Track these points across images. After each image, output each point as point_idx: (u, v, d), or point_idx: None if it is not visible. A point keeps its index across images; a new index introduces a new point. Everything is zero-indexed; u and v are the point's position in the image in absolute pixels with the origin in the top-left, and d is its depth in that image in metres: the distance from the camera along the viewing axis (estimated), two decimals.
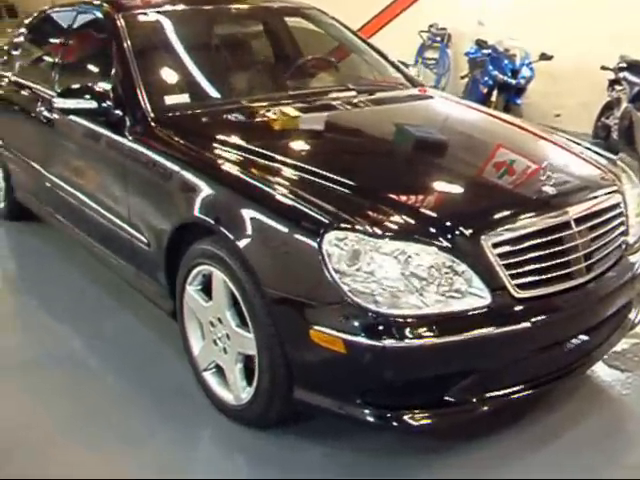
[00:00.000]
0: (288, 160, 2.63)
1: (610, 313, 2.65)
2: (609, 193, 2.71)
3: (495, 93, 6.89)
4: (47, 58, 4.22)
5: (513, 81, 6.76)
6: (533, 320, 2.29)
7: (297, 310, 2.27)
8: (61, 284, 3.92)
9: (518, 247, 2.30)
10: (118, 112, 3.12)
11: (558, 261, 2.38)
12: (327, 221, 2.24)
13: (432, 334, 2.17)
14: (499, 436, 2.59)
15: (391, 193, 2.41)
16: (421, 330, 2.16)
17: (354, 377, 2.25)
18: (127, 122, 3.08)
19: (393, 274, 2.17)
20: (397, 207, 2.33)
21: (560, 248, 2.40)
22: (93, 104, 3.11)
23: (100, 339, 3.33)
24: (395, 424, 2.26)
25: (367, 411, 2.24)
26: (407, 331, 2.15)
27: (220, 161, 2.69)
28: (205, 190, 2.63)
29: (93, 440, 2.61)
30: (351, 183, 2.44)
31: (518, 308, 2.29)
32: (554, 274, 2.37)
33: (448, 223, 2.29)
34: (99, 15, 3.61)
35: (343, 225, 2.22)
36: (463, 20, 8.39)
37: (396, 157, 2.87)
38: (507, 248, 2.29)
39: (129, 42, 3.29)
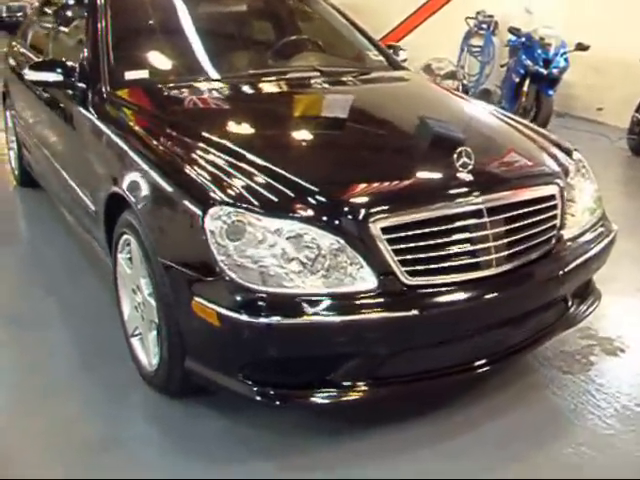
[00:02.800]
0: (206, 136, 2.66)
1: (533, 308, 2.57)
2: (540, 184, 2.62)
3: (527, 83, 6.66)
4: (45, 31, 4.37)
5: (545, 71, 6.52)
6: (424, 308, 2.25)
7: (183, 280, 2.31)
8: (46, 242, 4.17)
9: (411, 233, 2.26)
10: (82, 85, 3.22)
11: (461, 250, 2.33)
12: (213, 195, 2.27)
13: (307, 314, 2.16)
14: (415, 422, 2.57)
15: (288, 172, 2.39)
16: (295, 309, 2.16)
17: (230, 351, 2.27)
18: (89, 95, 3.19)
19: (272, 251, 2.17)
20: (288, 185, 2.32)
21: (464, 236, 2.34)
22: (60, 77, 3.22)
23: (57, 295, 3.50)
24: (274, 401, 2.28)
25: (246, 386, 2.26)
26: (280, 309, 2.16)
27: (143, 134, 2.75)
28: (123, 161, 2.71)
29: (18, 389, 2.77)
30: (256, 161, 2.45)
31: (407, 295, 2.25)
32: (455, 263, 2.32)
33: (335, 204, 2.27)
34: None
35: (227, 200, 2.24)
36: (511, 8, 8.16)
37: (312, 138, 2.85)
38: (398, 234, 2.24)
39: (103, 22, 3.37)
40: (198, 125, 2.79)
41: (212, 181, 2.34)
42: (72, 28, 3.84)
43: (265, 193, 2.29)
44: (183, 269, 2.30)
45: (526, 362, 2.97)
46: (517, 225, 2.46)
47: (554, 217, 2.61)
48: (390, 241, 2.23)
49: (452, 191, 2.40)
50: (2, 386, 2.81)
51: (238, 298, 2.17)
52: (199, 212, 2.23)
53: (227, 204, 2.23)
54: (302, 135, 2.83)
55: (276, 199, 2.27)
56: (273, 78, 3.33)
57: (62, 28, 4.01)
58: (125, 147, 2.77)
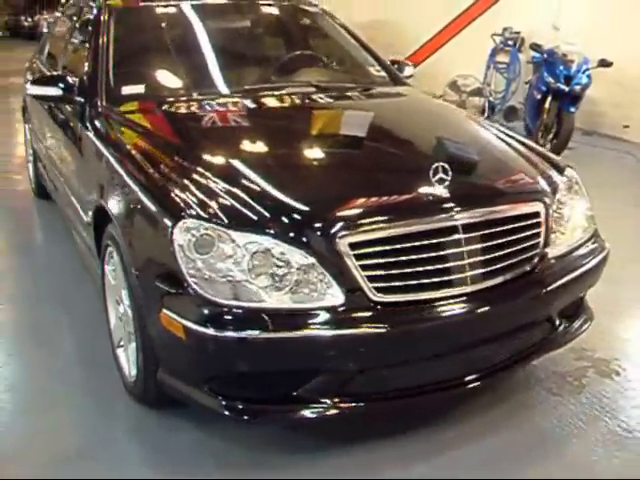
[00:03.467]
0: (187, 151, 2.70)
1: (514, 327, 2.52)
2: (523, 201, 2.58)
3: (549, 100, 6.56)
4: (58, 47, 4.48)
5: (566, 88, 6.42)
6: (392, 325, 2.22)
7: (154, 292, 2.32)
8: (57, 253, 4.28)
9: (380, 249, 2.24)
10: (80, 99, 3.29)
11: (432, 267, 2.29)
12: (183, 208, 2.29)
13: (271, 328, 2.15)
14: (402, 438, 2.54)
15: (259, 187, 2.40)
16: (259, 323, 2.15)
17: (196, 364, 2.28)
18: (86, 109, 3.25)
19: (240, 266, 2.17)
20: (258, 200, 2.32)
21: (437, 254, 2.30)
22: (59, 92, 3.29)
23: (59, 303, 3.59)
24: (242, 415, 2.27)
25: (213, 399, 2.26)
26: (244, 323, 2.15)
27: (127, 148, 2.79)
28: (107, 174, 2.75)
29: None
30: (230, 176, 2.48)
31: (374, 312, 2.22)
32: (426, 280, 2.29)
33: (303, 219, 2.26)
34: (94, 10, 3.79)
35: (196, 213, 2.25)
36: (538, 24, 8.08)
37: (288, 153, 2.83)
38: (366, 249, 2.22)
39: (104, 38, 3.44)
40: (182, 140, 2.85)
41: (185, 195, 2.36)
42: (80, 44, 3.92)
43: (235, 207, 2.30)
44: (154, 281, 2.32)
45: (519, 380, 2.92)
46: (495, 242, 2.42)
47: (537, 235, 2.55)
48: (358, 257, 2.21)
49: (426, 207, 2.37)
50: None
51: (204, 312, 2.17)
52: (169, 224, 2.25)
53: (196, 217, 2.24)
54: (279, 150, 2.83)
55: (245, 214, 2.27)
56: (266, 94, 3.34)
57: (72, 44, 4.09)
58: (110, 160, 2.81)
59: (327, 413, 2.27)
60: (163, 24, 3.77)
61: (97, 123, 3.11)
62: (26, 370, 3.04)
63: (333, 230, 2.22)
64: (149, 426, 2.61)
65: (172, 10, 3.79)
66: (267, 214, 2.27)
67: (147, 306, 2.38)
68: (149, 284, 2.35)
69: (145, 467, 2.41)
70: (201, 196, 2.34)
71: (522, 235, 2.50)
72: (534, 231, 2.55)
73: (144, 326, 2.41)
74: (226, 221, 2.23)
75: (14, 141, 6.36)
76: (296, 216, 2.27)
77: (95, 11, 3.71)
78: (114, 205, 2.63)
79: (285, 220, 2.26)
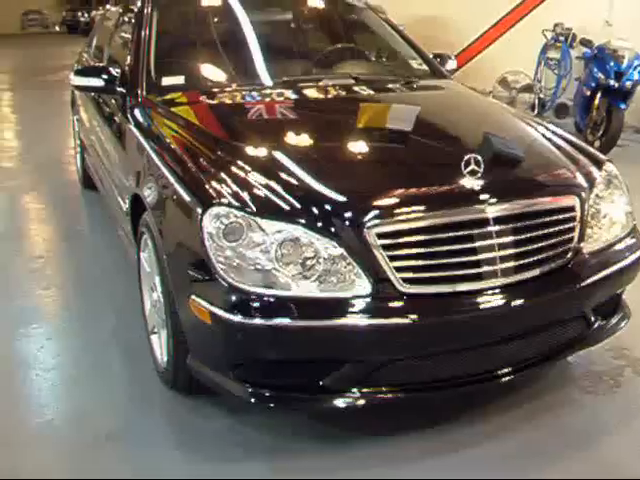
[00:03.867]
0: (223, 140, 2.75)
1: (546, 323, 2.48)
2: (557, 195, 2.53)
3: (598, 96, 6.41)
4: (105, 40, 4.57)
5: (616, 84, 6.26)
6: (419, 317, 2.21)
7: (183, 278, 2.36)
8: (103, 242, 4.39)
9: (408, 240, 2.23)
10: (122, 90, 3.35)
11: (461, 259, 2.27)
12: (213, 195, 2.31)
13: (298, 317, 2.17)
14: (421, 433, 2.52)
15: (291, 176, 2.42)
16: (286, 312, 2.17)
17: (223, 350, 2.30)
18: (127, 100, 3.31)
19: (266, 254, 2.19)
20: (289, 189, 2.33)
21: (466, 246, 2.28)
22: (101, 83, 3.36)
23: (102, 289, 3.70)
24: (268, 403, 2.29)
25: (239, 386, 2.28)
26: (271, 311, 2.17)
27: (164, 137, 2.83)
28: (144, 162, 2.80)
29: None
30: (263, 165, 2.50)
31: (401, 302, 2.21)
32: (455, 272, 2.27)
33: (330, 208, 2.27)
34: (138, 2, 3.85)
35: (227, 201, 2.27)
36: (590, 20, 7.90)
37: (323, 144, 2.83)
38: (395, 240, 2.22)
39: (147, 31, 3.50)
40: (218, 131, 2.89)
41: (216, 183, 2.38)
42: (124, 36, 3.99)
43: (265, 196, 2.32)
44: (184, 268, 2.35)
45: (553, 377, 2.87)
46: (528, 235, 2.38)
47: (572, 229, 2.51)
48: (386, 247, 2.21)
49: (455, 199, 2.35)
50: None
51: (231, 299, 2.19)
52: (199, 211, 2.28)
53: (226, 205, 2.26)
54: (313, 141, 2.84)
55: (274, 202, 2.29)
56: (305, 85, 3.36)
57: (116, 37, 4.18)
58: (147, 148, 2.86)
59: (354, 403, 2.28)
60: (205, 16, 3.82)
61: (136, 112, 3.16)
62: (62, 355, 3.11)
63: (361, 220, 2.22)
64: (180, 412, 2.65)
65: (215, 2, 3.83)
66: (296, 203, 2.28)
67: (177, 292, 2.42)
68: (179, 270, 2.39)
69: (175, 450, 2.45)
70: (233, 185, 2.36)
71: (556, 229, 2.46)
72: (568, 225, 2.50)
73: (175, 312, 2.45)
74: (255, 209, 2.25)
75: (68, 132, 6.53)
76: (325, 205, 2.28)
77: (139, 3, 3.77)
78: (149, 193, 2.68)
79: (314, 209, 2.27)
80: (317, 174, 2.44)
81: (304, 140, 2.85)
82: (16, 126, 8.97)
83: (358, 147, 2.79)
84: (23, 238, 4.63)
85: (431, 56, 3.94)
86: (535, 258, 2.40)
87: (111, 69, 3.45)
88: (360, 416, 2.55)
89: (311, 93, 3.32)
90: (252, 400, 2.29)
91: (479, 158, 2.40)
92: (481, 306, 2.30)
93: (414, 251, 2.24)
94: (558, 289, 2.46)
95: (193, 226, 2.29)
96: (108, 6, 5.26)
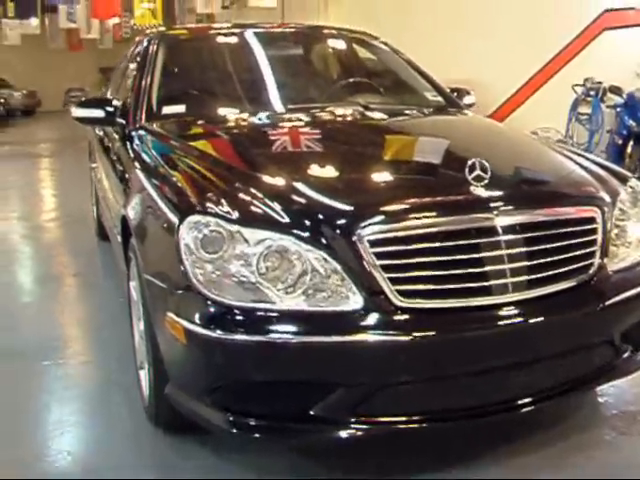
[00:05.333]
0: (207, 155, 2.63)
1: (564, 347, 2.20)
2: (574, 205, 2.30)
3: (631, 144, 6.18)
4: (117, 80, 4.57)
5: None
6: (416, 335, 1.96)
7: (160, 296, 2.18)
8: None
9: (403, 248, 2.01)
10: (121, 121, 3.26)
11: (465, 271, 2.03)
12: (190, 204, 2.15)
13: (282, 333, 1.94)
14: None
15: (275, 183, 2.26)
16: (268, 327, 1.95)
17: (199, 372, 2.08)
18: (126, 130, 3.21)
19: (250, 265, 1.99)
20: (273, 196, 2.15)
21: (471, 256, 2.05)
22: (101, 113, 3.28)
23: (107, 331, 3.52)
24: (252, 432, 2.04)
25: (218, 414, 2.05)
26: (252, 326, 1.96)
27: (152, 157, 2.69)
28: (130, 181, 2.67)
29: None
30: (246, 173, 2.36)
31: (396, 318, 1.97)
32: (458, 285, 2.03)
33: (319, 215, 2.06)
34: (144, 42, 3.82)
35: (203, 209, 2.10)
36: (622, 73, 7.75)
37: (311, 153, 2.69)
38: (388, 248, 2.00)
39: (149, 67, 3.44)
40: (204, 148, 2.76)
41: (196, 192, 2.23)
42: (130, 74, 3.95)
43: (246, 203, 2.13)
44: (160, 283, 2.17)
45: (582, 416, 2.59)
46: (542, 247, 2.14)
47: (593, 242, 2.26)
48: (379, 256, 1.98)
49: (458, 205, 2.13)
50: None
51: (208, 313, 1.99)
52: (176, 221, 2.10)
53: (204, 213, 2.08)
54: (304, 150, 2.69)
55: (257, 210, 2.10)
56: (306, 108, 3.21)
57: (125, 75, 4.15)
58: (134, 167, 2.75)
59: (348, 433, 2.02)
60: (211, 54, 3.78)
61: (131, 136, 3.05)
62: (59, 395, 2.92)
63: (351, 226, 2.01)
64: (162, 450, 2.41)
65: (222, 40, 3.80)
66: (281, 210, 2.08)
67: (155, 313, 2.22)
68: (156, 289, 2.20)
69: None
70: (214, 193, 2.19)
71: (574, 241, 2.21)
72: (589, 238, 2.25)
73: (153, 336, 2.25)
74: (236, 217, 2.06)
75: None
76: (311, 211, 2.09)
77: (145, 42, 3.74)
78: (131, 210, 2.53)
79: (299, 216, 2.07)
80: (305, 181, 2.26)
81: (294, 149, 2.71)
82: (52, 184, 9.25)
83: (352, 156, 2.62)
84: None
85: (448, 90, 3.78)
86: (551, 272, 2.14)
87: (112, 100, 3.38)
88: (358, 454, 2.30)
89: (310, 115, 3.15)
90: (233, 430, 2.04)
91: (485, 164, 2.19)
92: (490, 323, 2.05)
93: (410, 261, 2.00)
94: (579, 307, 2.19)
95: (171, 238, 2.10)
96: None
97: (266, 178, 2.29)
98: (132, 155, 2.91)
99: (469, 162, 2.18)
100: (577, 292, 2.20)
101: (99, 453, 2.44)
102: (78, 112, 3.36)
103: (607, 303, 2.21)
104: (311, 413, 2.00)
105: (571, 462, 2.30)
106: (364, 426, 2.02)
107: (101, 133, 4.18)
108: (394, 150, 2.76)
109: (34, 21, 19.04)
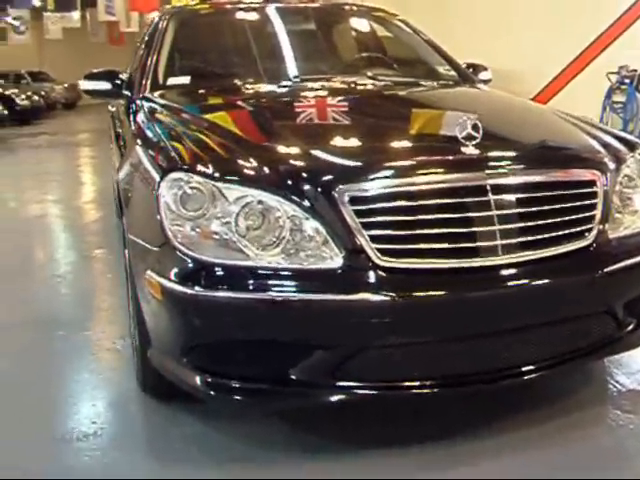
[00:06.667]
0: (199, 119, 2.58)
1: (559, 316, 2.10)
2: (571, 167, 2.20)
3: None
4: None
5: None
6: (398, 294, 1.88)
7: (141, 255, 2.15)
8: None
9: (386, 205, 1.93)
10: (127, 93, 3.24)
11: (450, 230, 1.95)
12: (172, 161, 2.11)
13: (258, 289, 1.89)
14: (428, 445, 2.17)
15: (257, 142, 2.24)
16: (244, 283, 1.90)
17: (175, 330, 2.02)
18: (131, 100, 3.20)
19: (229, 220, 1.94)
20: (253, 153, 2.10)
21: (458, 215, 1.96)
22: (107, 85, 3.27)
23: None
24: (229, 394, 2.00)
25: (195, 375, 2.00)
26: (227, 282, 1.91)
27: (147, 121, 2.66)
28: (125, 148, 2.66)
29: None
30: (230, 133, 2.34)
31: (377, 277, 1.90)
32: (443, 245, 1.95)
33: (299, 172, 2.01)
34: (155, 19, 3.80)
35: (184, 166, 2.06)
36: None
37: (300, 114, 2.66)
38: (369, 205, 1.93)
39: (158, 41, 3.42)
40: (191, 111, 2.73)
41: (178, 151, 2.18)
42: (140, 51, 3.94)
43: (226, 160, 2.09)
44: (142, 242, 2.14)
45: (584, 396, 2.48)
46: (535, 209, 2.04)
47: (592, 207, 2.15)
48: (359, 213, 1.91)
49: (446, 163, 2.05)
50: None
51: (185, 269, 1.95)
52: (157, 178, 2.07)
53: (184, 170, 2.03)
54: (291, 110, 2.64)
55: (236, 166, 2.05)
56: (310, 78, 3.14)
57: (136, 54, 4.13)
58: (129, 134, 2.72)
59: (329, 398, 1.97)
60: (219, 29, 3.76)
61: (133, 105, 3.04)
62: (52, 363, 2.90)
63: (331, 183, 1.94)
64: (151, 416, 2.39)
65: (235, 16, 3.76)
66: (260, 166, 2.03)
67: (136, 272, 2.20)
68: (139, 247, 2.17)
69: (136, 454, 2.19)
70: (195, 151, 2.15)
71: (572, 204, 2.11)
72: (588, 202, 2.15)
73: (136, 297, 2.22)
74: (215, 174, 2.01)
75: None
76: (292, 168, 2.03)
77: (156, 18, 3.74)
78: (121, 174, 2.51)
79: (278, 172, 2.01)
80: (287, 140, 2.22)
81: (283, 112, 2.66)
82: (90, 169, 9.49)
83: (340, 118, 2.58)
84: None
85: (463, 66, 3.68)
86: (546, 235, 2.05)
87: (119, 73, 3.36)
88: (347, 421, 2.24)
89: (310, 84, 3.08)
90: (211, 392, 1.99)
91: (477, 122, 2.10)
92: (476, 285, 1.96)
93: (392, 218, 1.93)
94: (576, 273, 2.09)
95: (152, 196, 2.06)
96: None
97: (249, 137, 2.26)
98: (130, 122, 2.89)
99: (459, 120, 2.10)
100: (574, 257, 2.10)
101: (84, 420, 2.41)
102: (85, 84, 3.35)
103: (606, 270, 2.10)
104: (291, 377, 1.95)
105: (571, 437, 2.20)
106: (345, 391, 1.95)
107: (114, 110, 4.18)
108: (385, 115, 2.67)
109: (75, 14, 19.03)
